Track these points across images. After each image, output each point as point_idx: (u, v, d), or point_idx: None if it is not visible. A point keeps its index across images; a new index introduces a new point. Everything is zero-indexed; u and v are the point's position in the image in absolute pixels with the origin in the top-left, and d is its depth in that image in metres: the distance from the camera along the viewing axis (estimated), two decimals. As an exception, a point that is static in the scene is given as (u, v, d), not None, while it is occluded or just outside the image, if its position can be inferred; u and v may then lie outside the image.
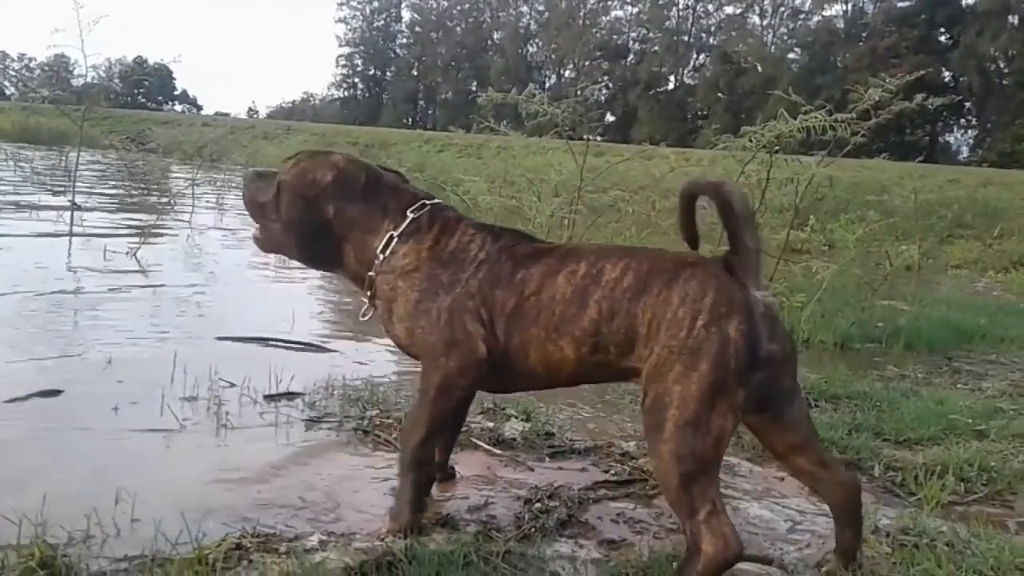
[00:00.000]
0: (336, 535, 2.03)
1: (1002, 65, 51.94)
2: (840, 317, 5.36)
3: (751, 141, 5.06)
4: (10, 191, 10.51)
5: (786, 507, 2.45)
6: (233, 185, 13.71)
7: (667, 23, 70.15)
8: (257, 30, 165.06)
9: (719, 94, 60.19)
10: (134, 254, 6.36)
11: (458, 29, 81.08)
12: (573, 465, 2.72)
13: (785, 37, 64.78)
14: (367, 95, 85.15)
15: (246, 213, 2.34)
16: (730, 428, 1.79)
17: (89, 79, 10.18)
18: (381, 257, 2.10)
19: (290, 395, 3.22)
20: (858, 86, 4.96)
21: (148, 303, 4.96)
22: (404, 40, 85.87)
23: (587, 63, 70.18)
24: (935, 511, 2.45)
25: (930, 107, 5.30)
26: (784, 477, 2.67)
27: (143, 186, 12.10)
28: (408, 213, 2.12)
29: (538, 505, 2.29)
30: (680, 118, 61.46)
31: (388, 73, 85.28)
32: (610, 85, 63.63)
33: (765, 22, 66.34)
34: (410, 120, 75.70)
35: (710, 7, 68.87)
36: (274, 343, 4.08)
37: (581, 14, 72.78)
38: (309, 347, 4.11)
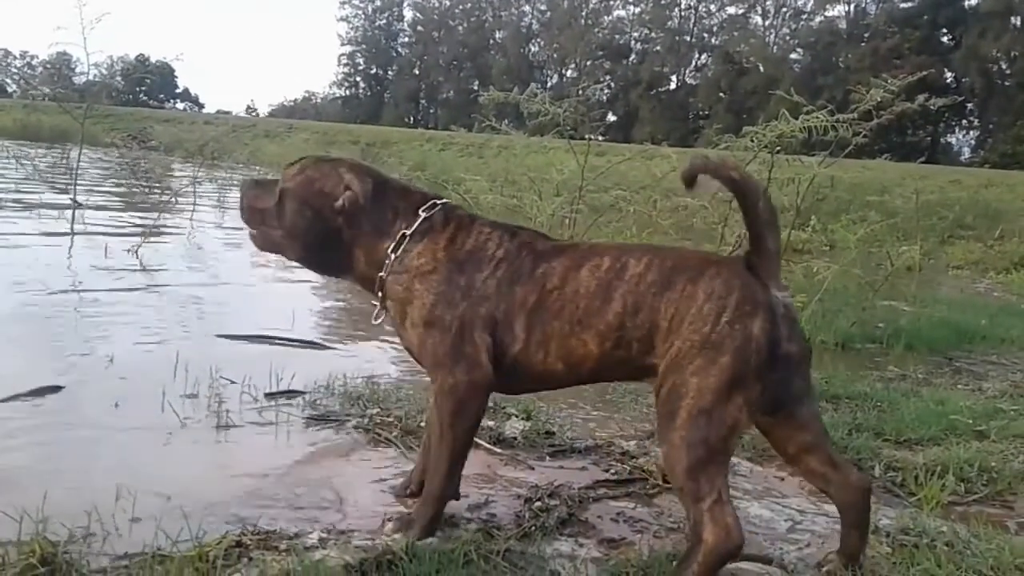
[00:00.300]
0: (336, 533, 2.03)
1: (1004, 66, 51.99)
2: (841, 317, 5.36)
3: (753, 141, 5.07)
4: (12, 188, 10.51)
5: (786, 507, 2.45)
6: (234, 184, 13.70)
7: (669, 23, 70.22)
8: (259, 29, 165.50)
9: (721, 94, 60.28)
10: (135, 252, 6.37)
11: (460, 28, 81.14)
12: (573, 464, 2.72)
13: (787, 37, 64.89)
14: (369, 94, 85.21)
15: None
16: (743, 422, 1.80)
17: (91, 77, 10.25)
18: (392, 257, 2.07)
19: (291, 393, 3.22)
20: (860, 87, 4.96)
21: (149, 301, 4.96)
22: (406, 39, 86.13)
23: (589, 63, 70.28)
24: (935, 511, 2.46)
25: (932, 108, 5.31)
26: (784, 477, 2.68)
27: (145, 184, 12.08)
28: (420, 212, 2.10)
29: (538, 504, 2.29)
30: (682, 118, 61.54)
31: (390, 72, 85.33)
32: (612, 85, 63.77)
33: (767, 22, 66.50)
34: (412, 119, 75.70)
35: (712, 7, 69.01)
36: (275, 341, 4.08)
37: (583, 14, 72.85)
38: (310, 345, 4.12)
